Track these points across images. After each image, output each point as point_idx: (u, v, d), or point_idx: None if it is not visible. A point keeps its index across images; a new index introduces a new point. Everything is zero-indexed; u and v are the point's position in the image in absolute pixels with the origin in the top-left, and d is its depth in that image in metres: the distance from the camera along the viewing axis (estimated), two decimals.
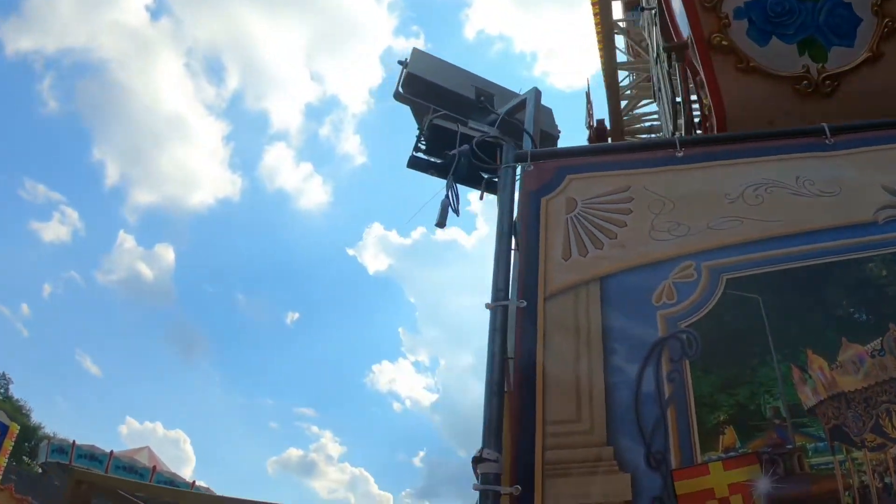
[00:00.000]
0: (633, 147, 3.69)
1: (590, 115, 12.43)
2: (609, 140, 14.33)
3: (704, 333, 2.40)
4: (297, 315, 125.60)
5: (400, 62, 4.29)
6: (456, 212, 3.26)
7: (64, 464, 29.23)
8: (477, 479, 2.18)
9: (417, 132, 3.78)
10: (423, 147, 3.83)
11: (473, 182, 3.71)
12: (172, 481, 31.63)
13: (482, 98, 4.15)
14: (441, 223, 3.18)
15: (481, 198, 3.65)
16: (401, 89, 4.21)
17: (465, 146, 3.43)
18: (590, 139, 13.29)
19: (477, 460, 2.18)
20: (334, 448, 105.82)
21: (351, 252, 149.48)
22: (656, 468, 2.14)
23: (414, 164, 3.68)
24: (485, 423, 2.26)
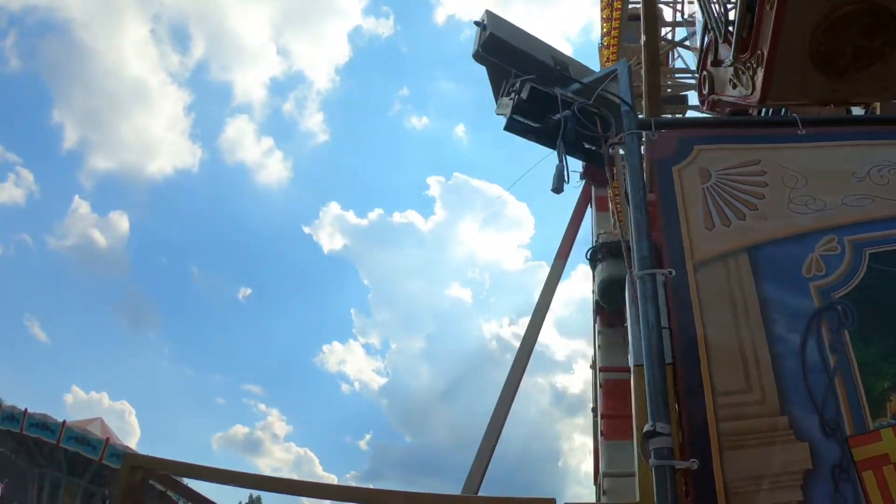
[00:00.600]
0: (754, 122, 3.68)
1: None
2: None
3: (857, 305, 2.45)
4: (249, 291, 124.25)
5: (476, 23, 4.18)
6: (566, 178, 3.21)
7: (15, 431, 28.28)
8: (645, 455, 2.16)
9: (511, 89, 3.66)
10: (512, 107, 3.73)
11: (574, 149, 3.66)
12: (125, 454, 31.03)
13: (559, 66, 4.10)
14: (557, 189, 3.13)
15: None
16: (480, 49, 4.10)
17: (568, 112, 3.38)
18: None
19: (649, 434, 2.15)
20: (280, 427, 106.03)
21: (307, 230, 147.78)
22: (832, 436, 2.18)
23: (511, 127, 3.60)
24: (650, 396, 2.24)
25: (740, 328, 2.41)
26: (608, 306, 5.57)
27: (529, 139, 3.63)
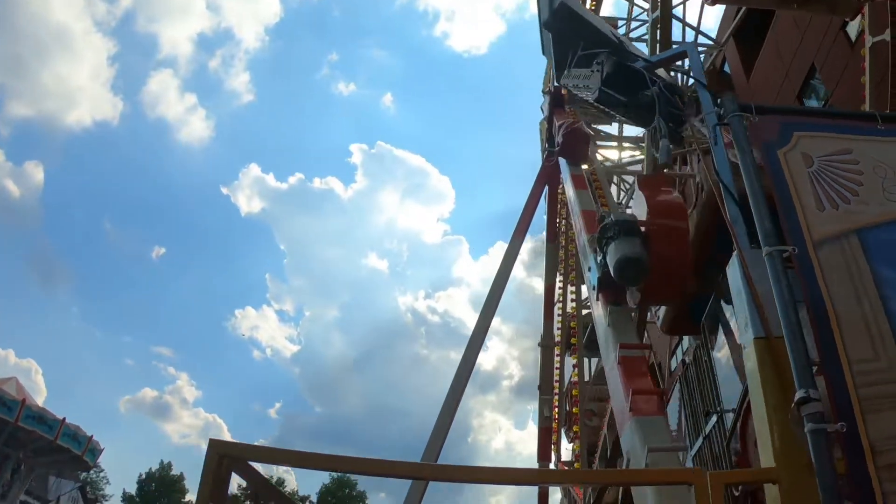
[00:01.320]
0: (840, 114, 3.92)
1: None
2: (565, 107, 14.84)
3: None
4: (163, 250, 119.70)
5: None
6: (668, 152, 3.34)
7: None
8: (800, 422, 2.35)
9: (596, 62, 3.73)
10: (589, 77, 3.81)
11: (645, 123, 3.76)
12: (42, 416, 29.46)
13: (621, 43, 4.21)
14: (666, 163, 3.25)
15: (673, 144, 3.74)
16: (551, 18, 4.15)
17: (656, 88, 3.51)
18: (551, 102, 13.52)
19: (803, 401, 2.34)
20: (190, 391, 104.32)
21: (225, 191, 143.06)
22: None
23: (602, 99, 3.67)
24: (796, 366, 2.43)
25: (862, 303, 2.64)
26: (627, 284, 5.78)
27: (618, 112, 3.72)
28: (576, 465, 14.78)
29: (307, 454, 2.98)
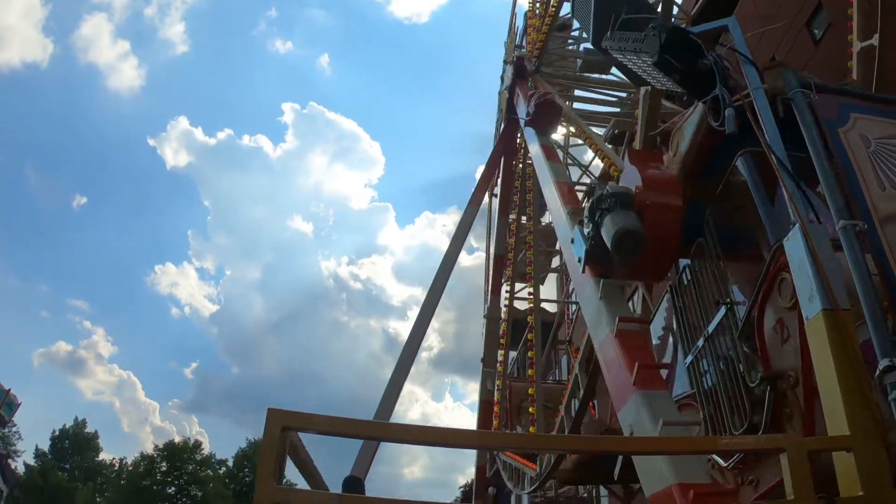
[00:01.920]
0: (890, 100, 3.99)
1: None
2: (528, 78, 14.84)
3: None
4: (84, 199, 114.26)
5: None
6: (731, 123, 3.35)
7: None
8: (885, 391, 2.44)
9: (652, 27, 3.68)
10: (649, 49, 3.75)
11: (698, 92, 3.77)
12: None
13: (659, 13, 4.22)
14: (732, 132, 3.28)
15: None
16: None
17: (713, 57, 3.54)
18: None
19: (888, 369, 2.43)
20: (105, 347, 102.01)
21: (151, 142, 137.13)
22: None
23: (662, 64, 3.63)
24: (877, 337, 2.53)
25: None
26: (623, 257, 5.85)
27: (673, 79, 3.71)
28: None
29: (372, 423, 2.89)
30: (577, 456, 9.83)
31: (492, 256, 21.87)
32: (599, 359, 5.95)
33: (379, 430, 2.75)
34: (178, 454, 55.32)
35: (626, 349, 5.32)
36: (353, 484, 9.44)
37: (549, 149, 10.58)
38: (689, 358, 5.24)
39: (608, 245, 5.94)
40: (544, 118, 11.10)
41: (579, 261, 6.94)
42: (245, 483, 61.32)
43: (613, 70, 16.47)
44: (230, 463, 60.79)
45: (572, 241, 7.34)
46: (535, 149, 10.87)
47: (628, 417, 4.89)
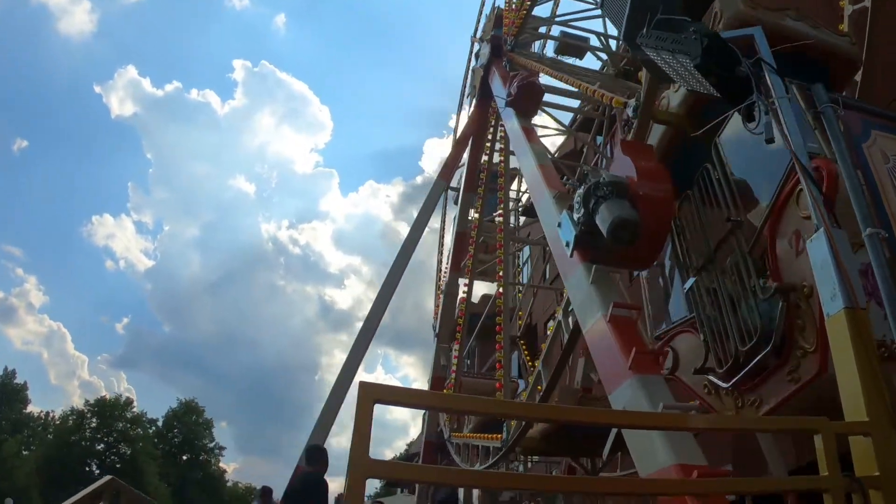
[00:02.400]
0: None
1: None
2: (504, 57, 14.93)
3: None
4: (25, 143, 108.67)
5: None
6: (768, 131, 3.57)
7: None
8: None
9: (700, 30, 3.84)
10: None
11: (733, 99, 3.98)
12: None
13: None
14: (770, 139, 3.51)
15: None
16: None
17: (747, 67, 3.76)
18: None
19: None
20: (37, 296, 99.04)
21: (98, 90, 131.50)
22: None
23: (703, 69, 3.82)
24: None
25: None
26: (618, 245, 6.10)
27: (710, 82, 3.91)
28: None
29: (460, 398, 3.02)
30: (545, 426, 10.15)
31: (444, 232, 22.22)
32: (588, 341, 6.22)
33: (466, 403, 2.92)
34: (110, 411, 54.21)
35: (621, 334, 5.61)
36: (316, 451, 9.61)
37: (529, 130, 10.80)
38: (690, 282, 5.46)
39: (604, 232, 6.16)
40: (526, 100, 11.28)
41: (567, 245, 7.17)
42: (174, 444, 60.58)
43: (588, 57, 16.86)
44: (161, 423, 59.99)
45: (559, 225, 7.56)
46: (515, 129, 11.05)
47: (622, 399, 5.19)
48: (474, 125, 16.60)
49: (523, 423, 10.35)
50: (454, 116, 22.01)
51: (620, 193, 6.35)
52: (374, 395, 2.30)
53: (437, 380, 17.13)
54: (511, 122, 11.42)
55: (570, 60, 16.45)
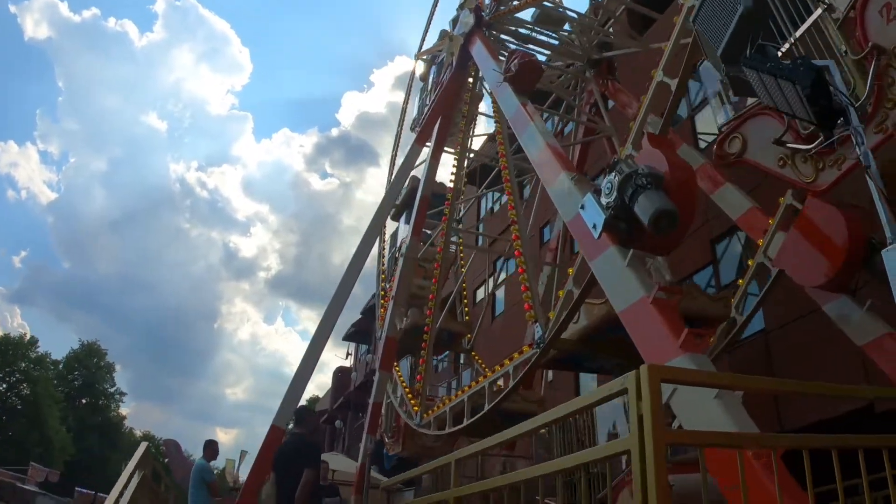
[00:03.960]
0: None
1: None
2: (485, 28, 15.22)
3: None
4: None
5: None
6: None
7: None
8: None
9: (810, 69, 4.41)
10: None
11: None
12: None
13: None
14: (868, 165, 4.19)
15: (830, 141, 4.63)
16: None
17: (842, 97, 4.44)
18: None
19: None
20: None
21: (13, 9, 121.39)
22: None
23: (813, 98, 4.40)
24: None
25: None
26: (660, 234, 6.75)
27: (812, 110, 4.48)
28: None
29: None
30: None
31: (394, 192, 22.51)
32: (626, 319, 6.88)
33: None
34: (13, 349, 51.45)
35: (666, 315, 6.31)
36: (306, 413, 9.95)
37: (530, 109, 11.25)
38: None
39: (644, 220, 6.82)
40: (526, 78, 11.73)
41: (594, 227, 7.80)
42: (74, 386, 58.43)
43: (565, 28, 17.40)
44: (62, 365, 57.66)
45: (582, 208, 8.16)
46: (515, 106, 11.45)
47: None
48: (453, 90, 16.88)
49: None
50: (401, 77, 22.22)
51: (658, 185, 7.02)
52: (660, 374, 2.75)
53: (390, 340, 17.47)
54: (510, 98, 11.79)
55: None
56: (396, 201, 18.87)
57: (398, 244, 19.99)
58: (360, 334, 41.13)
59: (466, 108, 17.03)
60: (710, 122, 14.82)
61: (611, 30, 17.78)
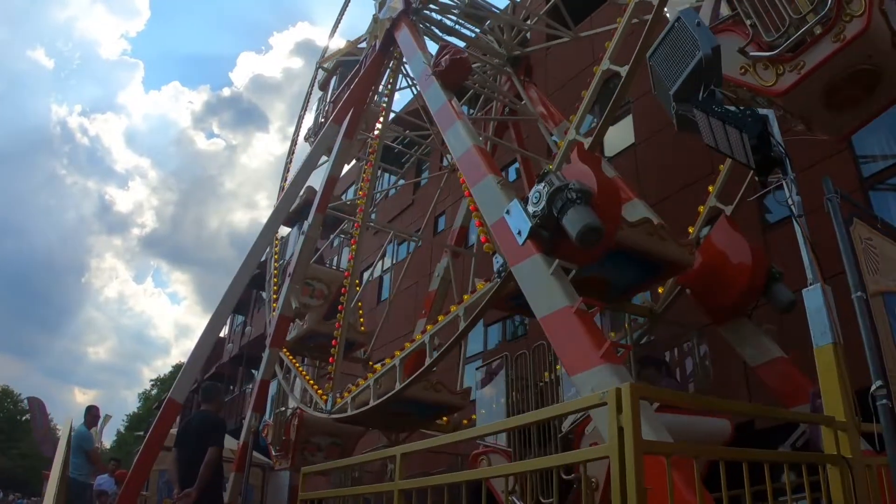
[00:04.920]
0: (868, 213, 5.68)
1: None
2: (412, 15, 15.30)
3: None
4: None
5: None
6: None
7: None
8: (873, 399, 4.16)
9: (757, 120, 4.91)
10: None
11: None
12: None
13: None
14: (800, 214, 4.74)
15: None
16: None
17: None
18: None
19: (879, 388, 4.15)
20: None
21: None
22: None
23: (758, 147, 4.87)
24: (874, 364, 4.27)
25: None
26: (585, 248, 7.19)
27: (754, 158, 4.97)
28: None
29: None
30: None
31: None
32: (547, 324, 7.29)
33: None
34: None
35: (587, 325, 6.78)
36: (213, 390, 9.80)
37: (456, 107, 11.45)
38: None
39: (572, 233, 7.25)
40: (455, 75, 11.90)
41: (519, 234, 8.18)
42: None
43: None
44: None
45: (507, 212, 8.52)
46: (442, 102, 11.58)
47: (591, 381, 6.27)
48: (372, 72, 16.83)
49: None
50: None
51: (587, 201, 7.49)
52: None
53: (283, 319, 17.24)
54: (436, 92, 11.92)
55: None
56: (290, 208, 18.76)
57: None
58: (238, 304, 39.97)
59: (389, 92, 17.00)
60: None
61: (528, 35, 18.38)
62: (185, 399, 12.94)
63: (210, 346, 14.49)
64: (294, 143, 21.51)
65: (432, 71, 12.08)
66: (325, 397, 12.74)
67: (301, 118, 22.07)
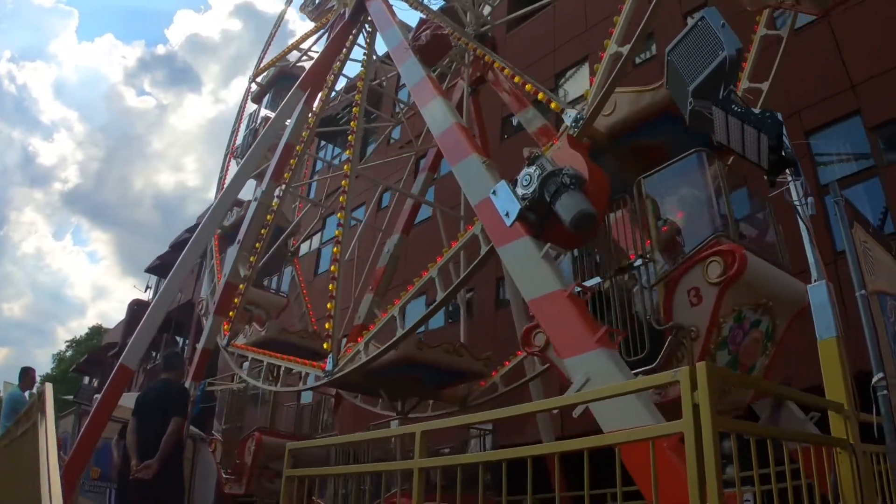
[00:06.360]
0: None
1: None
2: None
3: None
4: None
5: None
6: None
7: None
8: (874, 390, 4.49)
9: (775, 122, 5.11)
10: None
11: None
12: None
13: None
14: (812, 215, 5.01)
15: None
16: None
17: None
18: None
19: (880, 379, 4.48)
20: None
21: None
22: None
23: (775, 148, 5.07)
24: (874, 356, 4.60)
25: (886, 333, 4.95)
26: (580, 234, 7.33)
27: (771, 157, 5.16)
28: None
29: None
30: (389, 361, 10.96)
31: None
32: (536, 307, 7.40)
33: None
34: None
35: (581, 311, 6.90)
36: (176, 357, 9.54)
37: (435, 81, 11.28)
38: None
39: (566, 219, 7.36)
40: (434, 51, 11.78)
41: (507, 215, 8.24)
42: None
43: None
44: None
45: (494, 193, 8.56)
46: (418, 77, 11.35)
47: (584, 365, 6.40)
48: (337, 40, 16.47)
49: (368, 356, 10.76)
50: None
51: (580, 187, 7.62)
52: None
53: (230, 286, 16.79)
54: (413, 68, 11.65)
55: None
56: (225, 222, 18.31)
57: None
58: (164, 268, 38.52)
59: (365, 61, 16.61)
60: None
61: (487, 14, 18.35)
62: (136, 366, 12.49)
63: (165, 310, 14.05)
64: (227, 159, 21.21)
65: (411, 45, 11.90)
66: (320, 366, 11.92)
67: (234, 131, 21.91)
